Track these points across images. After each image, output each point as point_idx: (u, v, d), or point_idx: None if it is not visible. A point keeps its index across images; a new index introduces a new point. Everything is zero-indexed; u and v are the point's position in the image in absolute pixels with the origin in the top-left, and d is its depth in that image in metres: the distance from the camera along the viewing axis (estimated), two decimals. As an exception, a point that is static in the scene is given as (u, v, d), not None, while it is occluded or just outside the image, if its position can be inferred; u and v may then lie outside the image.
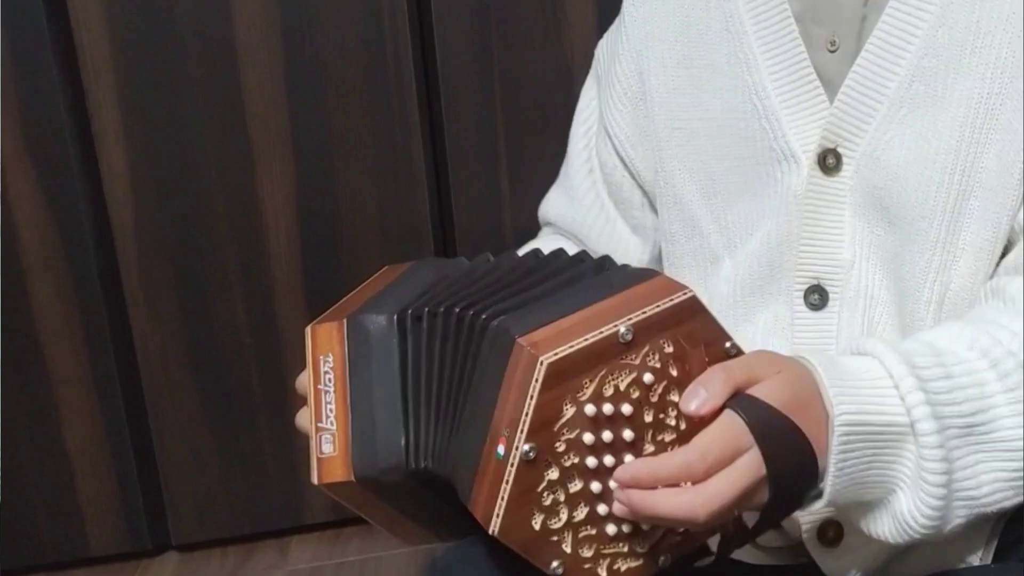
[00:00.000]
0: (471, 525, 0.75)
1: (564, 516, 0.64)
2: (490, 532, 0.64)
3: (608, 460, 0.64)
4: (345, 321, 0.75)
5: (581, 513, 0.65)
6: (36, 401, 1.56)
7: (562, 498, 0.64)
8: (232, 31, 1.45)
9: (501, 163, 1.55)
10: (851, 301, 0.81)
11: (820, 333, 0.82)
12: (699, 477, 0.63)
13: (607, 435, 0.64)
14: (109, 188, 1.49)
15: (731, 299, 0.86)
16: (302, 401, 0.78)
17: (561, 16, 1.50)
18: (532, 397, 0.62)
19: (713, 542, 0.71)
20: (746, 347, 0.69)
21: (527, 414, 0.62)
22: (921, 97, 0.78)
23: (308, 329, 0.76)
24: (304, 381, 0.77)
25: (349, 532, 1.68)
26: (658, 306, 0.66)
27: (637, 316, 0.65)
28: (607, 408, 0.63)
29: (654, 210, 0.95)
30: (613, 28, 0.97)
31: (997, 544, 0.78)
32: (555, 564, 0.65)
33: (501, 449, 0.63)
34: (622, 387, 0.64)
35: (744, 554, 0.85)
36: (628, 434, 0.64)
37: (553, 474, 0.63)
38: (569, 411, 0.63)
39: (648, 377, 0.64)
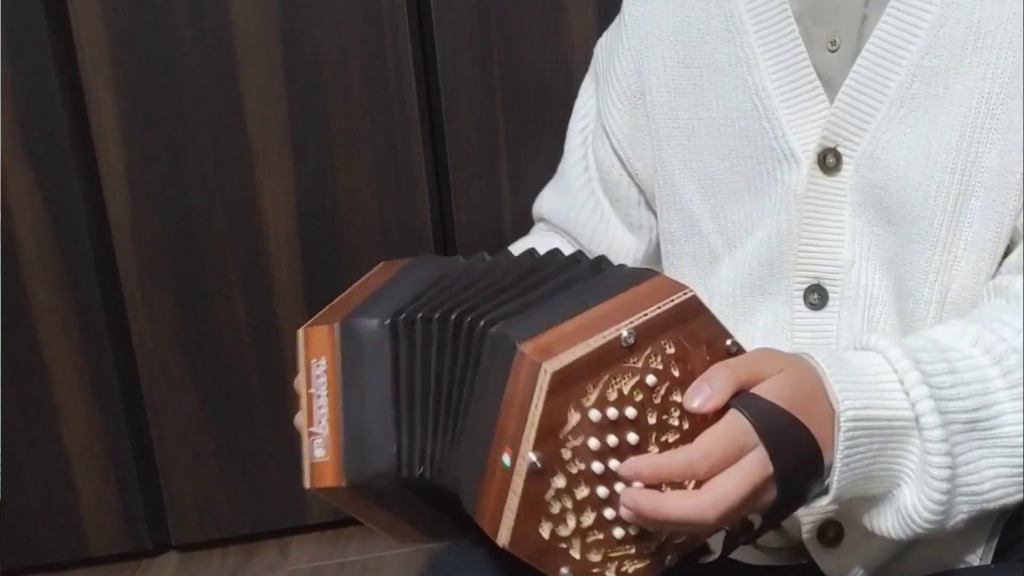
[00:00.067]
0: (466, 527, 0.75)
1: (572, 523, 0.64)
2: (499, 544, 0.63)
3: (614, 464, 0.64)
4: (337, 325, 0.74)
5: (588, 518, 0.64)
6: (35, 401, 1.56)
7: (569, 505, 0.64)
8: (231, 29, 1.45)
9: (501, 163, 1.55)
10: (851, 301, 0.81)
11: (820, 333, 0.82)
12: (702, 476, 0.63)
13: (612, 439, 0.63)
14: (107, 187, 1.49)
15: (731, 299, 0.86)
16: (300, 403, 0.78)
17: (561, 15, 1.50)
18: (537, 406, 0.61)
19: (716, 540, 0.71)
20: (746, 347, 0.68)
21: (533, 423, 0.62)
22: (922, 97, 0.78)
23: (300, 331, 0.76)
24: (300, 380, 0.76)
25: (349, 532, 1.68)
26: (659, 307, 0.65)
27: (639, 319, 0.64)
28: (611, 412, 0.63)
29: (651, 208, 0.95)
30: (613, 27, 0.97)
31: (997, 544, 0.78)
32: (564, 571, 0.64)
33: (507, 459, 0.63)
34: (625, 391, 0.64)
35: (744, 554, 0.85)
36: (633, 437, 0.64)
37: (560, 482, 0.63)
38: (574, 418, 0.63)
39: (651, 379, 0.64)
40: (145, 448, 1.62)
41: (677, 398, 0.65)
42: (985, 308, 0.75)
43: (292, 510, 1.66)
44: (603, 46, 0.98)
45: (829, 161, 0.81)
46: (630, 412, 0.63)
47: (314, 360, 0.74)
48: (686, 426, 0.65)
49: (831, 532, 0.80)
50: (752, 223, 0.85)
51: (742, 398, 0.64)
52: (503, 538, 0.63)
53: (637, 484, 0.63)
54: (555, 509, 0.63)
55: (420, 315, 0.72)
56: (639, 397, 0.64)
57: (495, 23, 1.49)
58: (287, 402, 1.59)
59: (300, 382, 0.75)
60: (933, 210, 0.77)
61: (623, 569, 0.66)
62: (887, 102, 0.79)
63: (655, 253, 0.96)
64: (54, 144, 1.46)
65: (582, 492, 0.64)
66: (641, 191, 0.95)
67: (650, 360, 0.64)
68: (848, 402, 0.65)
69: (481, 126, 1.53)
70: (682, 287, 0.67)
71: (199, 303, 1.55)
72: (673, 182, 0.89)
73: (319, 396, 0.74)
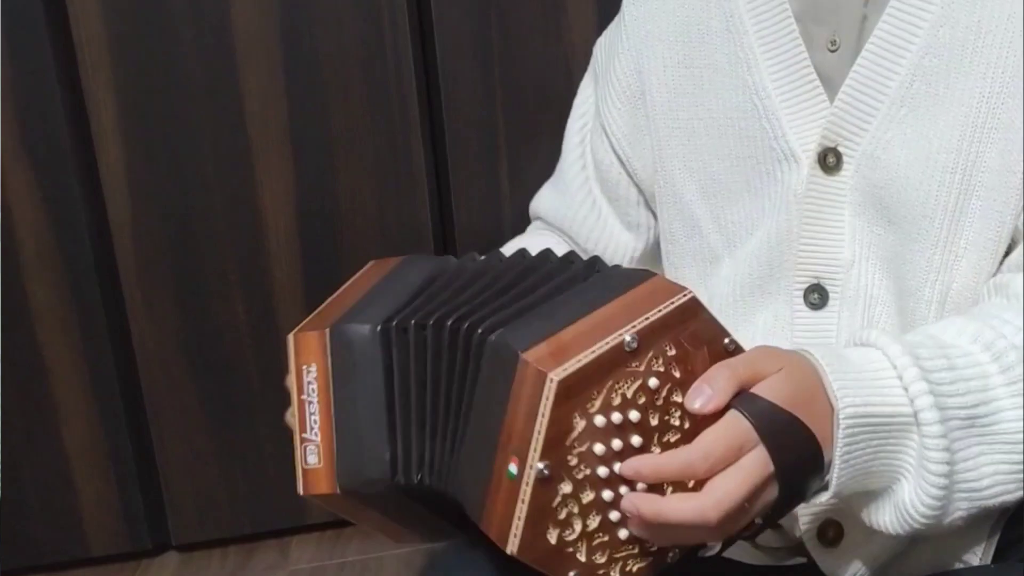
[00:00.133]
0: (464, 527, 0.75)
1: (578, 527, 0.64)
2: (507, 552, 0.63)
3: (618, 467, 0.64)
4: (328, 331, 0.74)
5: (594, 522, 0.64)
6: (35, 401, 1.56)
7: (576, 510, 0.64)
8: (231, 29, 1.45)
9: (501, 163, 1.55)
10: (851, 301, 0.81)
11: (820, 333, 0.82)
12: (701, 475, 0.63)
13: (616, 443, 0.63)
14: (107, 187, 1.49)
15: (731, 299, 0.86)
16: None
17: (561, 15, 1.50)
18: (544, 415, 0.61)
19: None
20: (746, 347, 0.69)
21: (540, 433, 0.62)
22: (922, 96, 0.78)
23: (291, 337, 0.75)
24: (291, 381, 0.76)
25: (349, 532, 1.68)
26: (660, 310, 0.65)
27: (640, 323, 0.64)
28: (616, 417, 0.63)
29: (649, 208, 0.95)
30: (612, 26, 0.97)
31: (997, 544, 0.78)
32: (572, 574, 0.64)
33: (513, 468, 0.63)
34: (629, 394, 0.64)
35: (744, 554, 0.85)
36: (636, 440, 0.64)
37: (566, 488, 0.63)
38: (580, 425, 0.63)
39: (653, 382, 0.64)
40: (145, 448, 1.62)
41: (678, 399, 0.65)
42: (985, 306, 0.75)
43: (292, 510, 1.66)
44: (602, 45, 0.98)
45: (829, 161, 0.81)
46: (634, 415, 0.64)
47: (305, 366, 0.74)
48: (687, 426, 0.65)
49: (831, 532, 0.80)
50: (752, 223, 0.85)
51: (742, 398, 0.65)
52: (512, 546, 0.63)
53: (640, 486, 0.64)
54: (562, 515, 0.63)
55: (413, 321, 0.72)
56: (642, 400, 0.64)
57: (495, 23, 1.49)
58: (287, 402, 1.59)
59: (291, 385, 0.75)
60: (934, 210, 0.77)
61: (627, 568, 0.66)
62: (887, 102, 0.79)
63: (653, 252, 0.96)
64: (54, 144, 1.46)
65: (588, 496, 0.64)
66: (640, 190, 0.95)
67: (652, 363, 0.64)
68: (847, 399, 0.65)
69: (481, 126, 1.53)
70: (681, 288, 0.67)
71: (199, 303, 1.55)
72: (673, 182, 0.89)
73: (311, 402, 0.74)
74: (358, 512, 0.77)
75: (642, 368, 0.64)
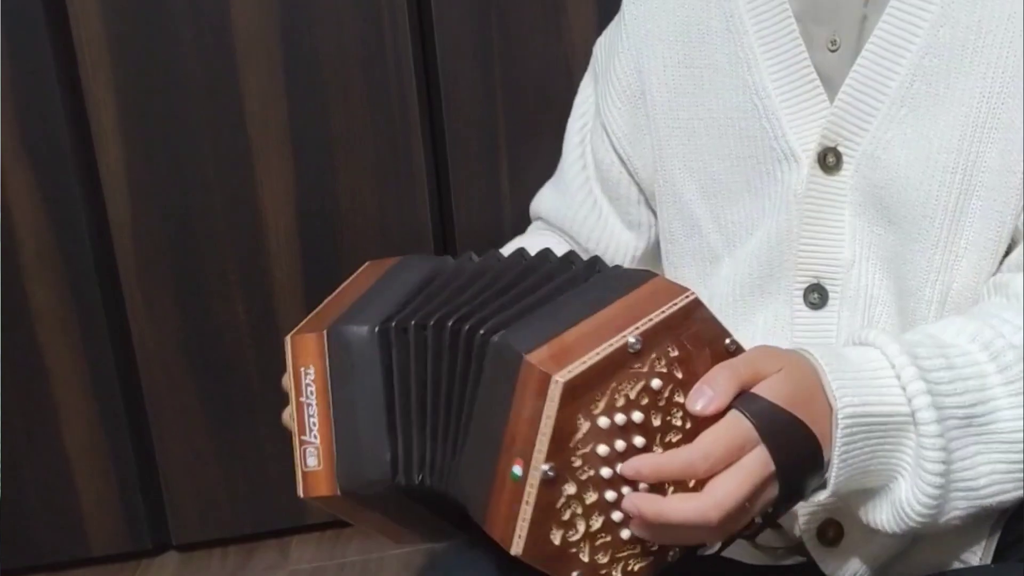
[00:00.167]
0: (465, 528, 0.75)
1: (581, 527, 0.64)
2: (512, 553, 0.63)
3: (620, 467, 0.64)
4: (325, 333, 0.73)
5: (597, 522, 0.64)
6: (35, 401, 1.56)
7: (579, 511, 0.64)
8: (231, 29, 1.45)
9: (502, 163, 1.55)
10: (851, 300, 0.81)
11: (820, 332, 0.82)
12: (701, 475, 0.63)
13: (620, 444, 0.64)
14: (107, 187, 1.49)
15: (731, 298, 0.86)
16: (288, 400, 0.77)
17: (561, 15, 1.50)
18: (549, 417, 0.61)
19: None
20: (746, 347, 0.69)
21: (545, 435, 0.62)
22: (922, 96, 0.78)
23: (288, 339, 0.75)
24: (288, 383, 0.76)
25: (349, 532, 1.68)
26: (663, 311, 0.65)
27: (644, 324, 0.64)
28: (619, 418, 0.63)
29: (650, 207, 0.95)
30: (612, 25, 0.97)
31: (997, 544, 0.78)
32: (574, 575, 0.65)
33: (518, 470, 0.63)
34: (632, 396, 0.64)
35: (743, 554, 0.85)
36: (639, 440, 0.64)
37: (570, 489, 0.63)
38: (584, 426, 0.63)
39: (656, 383, 0.64)
40: (145, 448, 1.62)
41: (680, 399, 0.65)
42: (985, 305, 0.75)
43: (292, 510, 1.66)
44: (602, 45, 0.97)
45: (829, 161, 0.81)
46: (637, 416, 0.64)
47: (303, 368, 0.74)
48: (688, 426, 0.65)
49: (831, 532, 0.80)
50: (752, 223, 0.85)
51: (742, 398, 0.65)
52: (516, 548, 0.63)
53: (642, 486, 0.64)
54: (566, 516, 0.64)
55: (413, 322, 0.72)
56: (644, 401, 0.64)
57: (495, 22, 1.49)
58: (286, 402, 1.59)
59: (289, 387, 0.75)
60: (934, 210, 0.77)
61: (629, 568, 0.66)
62: (887, 102, 0.79)
63: (654, 251, 0.96)
64: (54, 144, 1.46)
65: (591, 497, 0.64)
66: (641, 189, 0.94)
67: (655, 364, 0.64)
68: (846, 399, 0.65)
69: (481, 126, 1.53)
70: (683, 289, 0.67)
71: (199, 303, 1.55)
72: (673, 182, 0.89)
73: (309, 405, 0.74)
74: (359, 513, 0.77)
75: (645, 369, 0.64)
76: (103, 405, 1.57)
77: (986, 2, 0.76)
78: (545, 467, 0.62)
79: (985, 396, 0.69)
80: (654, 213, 0.94)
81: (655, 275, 0.70)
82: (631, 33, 0.92)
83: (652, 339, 0.64)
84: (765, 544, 0.85)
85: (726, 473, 0.63)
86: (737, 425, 0.64)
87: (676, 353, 0.65)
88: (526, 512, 0.62)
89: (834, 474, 0.66)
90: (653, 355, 0.64)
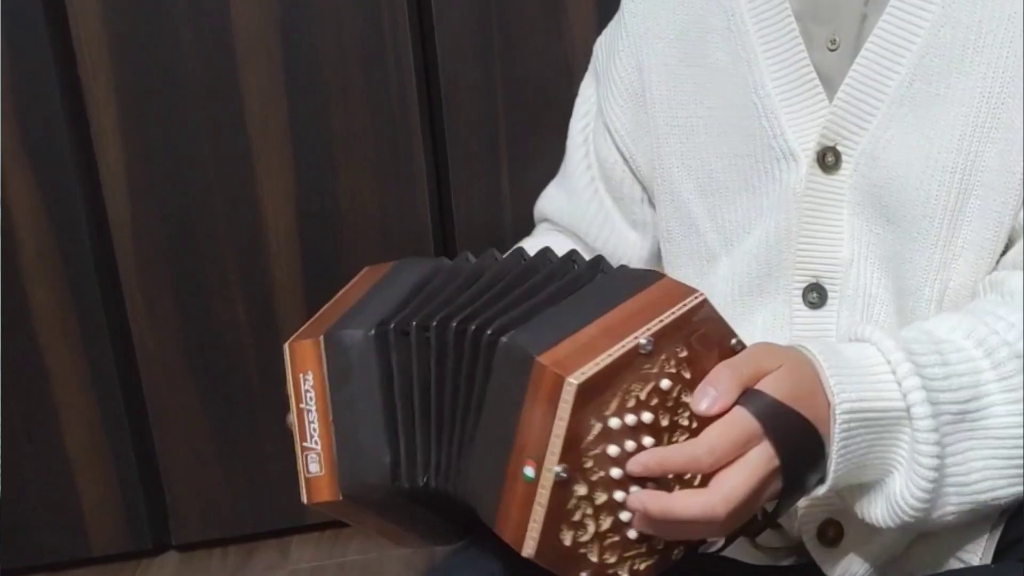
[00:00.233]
0: (468, 530, 0.75)
1: (591, 528, 0.64)
2: (524, 555, 0.63)
3: (628, 466, 0.64)
4: (322, 338, 0.73)
5: (606, 522, 0.65)
6: (35, 402, 1.56)
7: (589, 511, 0.64)
8: (231, 29, 1.45)
9: (502, 163, 1.55)
10: (850, 300, 0.81)
11: (819, 332, 0.82)
12: (706, 469, 0.63)
13: (630, 444, 0.64)
14: (107, 187, 1.49)
15: (729, 298, 0.86)
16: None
17: (561, 15, 1.50)
18: (563, 419, 0.62)
19: None
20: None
21: (558, 436, 0.62)
22: (922, 96, 0.78)
23: (286, 346, 0.75)
24: (289, 390, 0.76)
25: (349, 532, 1.68)
26: (673, 313, 0.65)
27: (655, 325, 0.64)
28: (630, 419, 0.63)
29: (654, 206, 0.95)
30: (612, 24, 0.97)
31: (997, 544, 0.78)
32: (583, 575, 0.65)
33: (530, 471, 0.63)
34: (642, 397, 0.64)
35: (743, 554, 0.85)
36: (648, 441, 0.64)
37: (582, 490, 0.63)
38: (596, 427, 0.63)
39: (665, 383, 0.64)
40: (146, 448, 1.62)
41: (687, 399, 0.65)
42: (980, 302, 0.75)
43: (292, 510, 1.66)
44: (603, 44, 0.97)
45: (828, 160, 0.81)
46: (646, 417, 0.64)
47: (302, 375, 0.74)
48: (694, 425, 0.66)
49: (831, 532, 0.80)
50: (750, 222, 0.85)
51: (745, 395, 0.65)
52: (528, 549, 0.63)
53: (649, 485, 0.64)
54: (576, 516, 0.64)
55: (414, 323, 0.71)
56: (654, 402, 0.64)
57: (495, 22, 1.49)
58: (287, 402, 1.59)
59: (290, 394, 0.75)
60: (934, 209, 0.77)
61: (636, 567, 0.66)
62: (887, 101, 0.79)
63: (659, 252, 0.96)
64: (54, 144, 1.46)
65: (601, 497, 0.64)
66: (644, 188, 0.94)
67: (664, 365, 0.65)
68: (843, 395, 0.66)
69: (482, 126, 1.53)
70: (692, 290, 0.67)
71: (199, 303, 1.55)
72: (671, 180, 0.89)
73: (309, 411, 0.74)
74: (363, 517, 0.77)
75: (655, 370, 0.64)
76: (103, 405, 1.57)
77: (987, 2, 0.76)
78: (558, 468, 0.62)
79: (979, 392, 0.69)
80: (659, 213, 0.94)
81: (662, 275, 0.70)
82: (631, 32, 0.92)
83: (663, 340, 0.64)
84: (765, 544, 0.85)
85: (732, 468, 0.64)
86: (741, 420, 0.64)
87: (685, 353, 0.65)
88: (538, 514, 0.63)
89: (832, 468, 0.67)
90: (663, 356, 0.64)
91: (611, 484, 0.64)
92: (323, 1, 1.45)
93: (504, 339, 0.66)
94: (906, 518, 0.69)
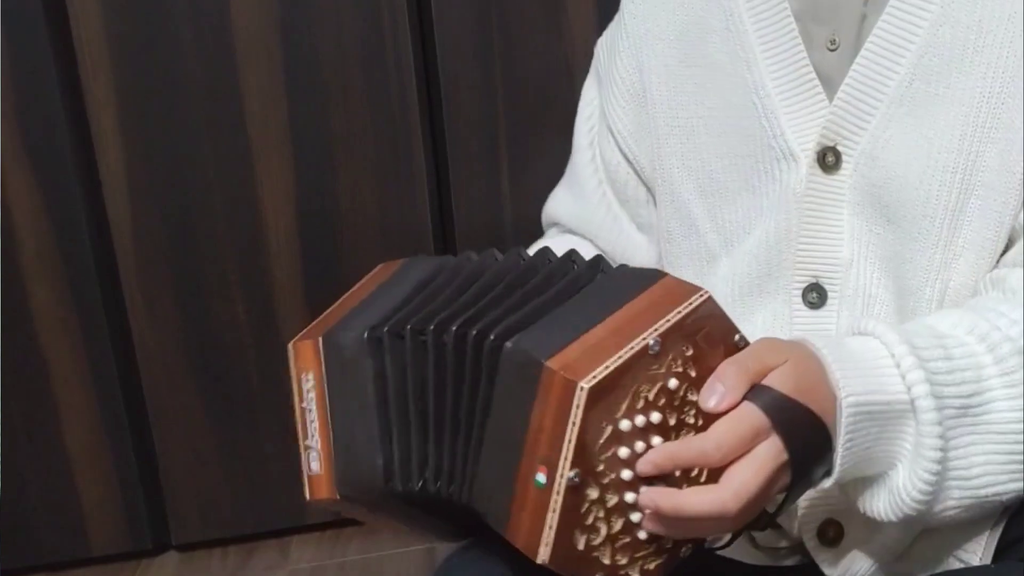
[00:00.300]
0: (469, 531, 0.75)
1: (603, 531, 0.64)
2: (538, 561, 0.63)
3: (638, 466, 0.64)
4: (320, 340, 0.74)
5: (618, 524, 0.65)
6: (36, 401, 1.56)
7: (601, 514, 0.64)
8: (231, 29, 1.45)
9: (502, 162, 1.55)
10: (850, 300, 0.81)
11: (819, 332, 0.82)
12: (714, 464, 0.64)
13: (640, 445, 0.64)
14: (107, 187, 1.49)
15: (729, 298, 0.85)
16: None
17: (561, 15, 1.50)
18: (575, 423, 0.62)
19: None
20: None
21: (571, 440, 0.62)
22: (922, 96, 0.78)
23: (290, 346, 0.76)
24: (293, 391, 0.77)
25: (350, 532, 1.68)
26: (679, 312, 0.65)
27: (663, 326, 0.64)
28: (639, 420, 0.63)
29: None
30: (612, 25, 0.97)
31: (997, 543, 0.78)
32: None
33: (542, 477, 0.63)
34: (651, 397, 0.64)
35: (744, 554, 0.85)
36: (657, 441, 0.64)
37: (594, 493, 0.63)
38: (607, 430, 0.63)
39: (673, 383, 0.65)
40: (146, 448, 1.62)
41: (693, 397, 0.66)
42: (982, 299, 0.75)
43: (292, 510, 1.66)
44: (603, 45, 0.97)
45: (828, 160, 0.81)
46: (655, 417, 0.64)
47: (303, 374, 0.75)
48: (701, 423, 0.66)
49: (831, 532, 0.80)
50: (750, 222, 0.85)
51: (752, 390, 0.66)
52: (543, 555, 0.63)
53: (658, 485, 0.64)
54: (589, 520, 0.64)
55: (409, 327, 0.71)
56: (662, 401, 0.64)
57: (495, 22, 1.49)
58: (287, 402, 1.59)
59: (293, 393, 0.76)
60: (934, 209, 0.77)
61: (646, 567, 0.67)
62: (887, 101, 0.79)
63: (662, 252, 0.96)
64: (54, 144, 1.46)
65: (612, 500, 0.64)
66: (648, 189, 0.94)
67: (672, 364, 0.65)
68: (849, 388, 0.66)
69: (482, 126, 1.53)
70: (696, 288, 0.67)
71: (199, 303, 1.55)
72: (671, 180, 0.89)
73: (310, 410, 0.74)
74: (367, 514, 0.78)
75: (662, 370, 0.64)
76: (103, 405, 1.57)
77: (986, 2, 0.76)
78: (571, 474, 0.62)
79: (981, 387, 0.69)
80: (662, 215, 0.94)
81: (664, 274, 0.70)
82: (631, 32, 0.92)
83: (670, 339, 0.64)
84: (766, 544, 0.85)
85: (741, 463, 0.64)
86: (749, 416, 0.65)
87: (691, 352, 0.65)
88: (552, 519, 0.62)
89: (839, 462, 0.67)
90: (670, 355, 0.64)
91: (622, 486, 0.64)
92: (323, 1, 1.45)
93: (509, 344, 0.66)
94: (908, 511, 0.70)
